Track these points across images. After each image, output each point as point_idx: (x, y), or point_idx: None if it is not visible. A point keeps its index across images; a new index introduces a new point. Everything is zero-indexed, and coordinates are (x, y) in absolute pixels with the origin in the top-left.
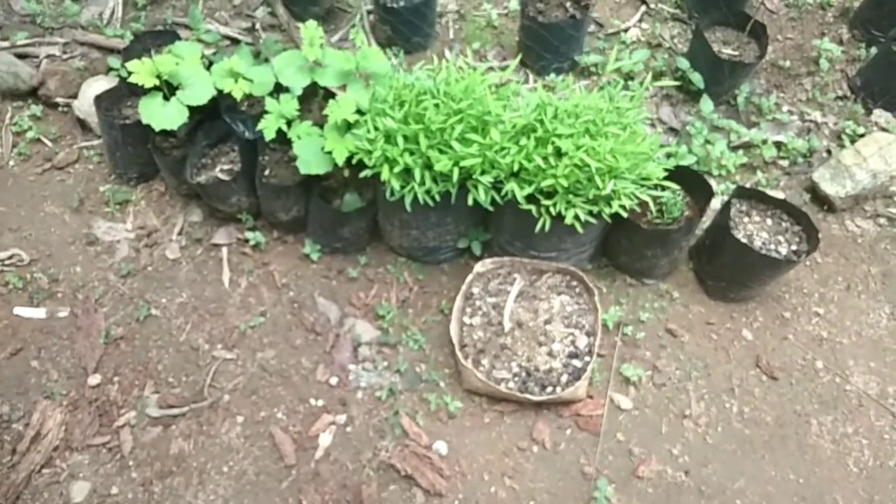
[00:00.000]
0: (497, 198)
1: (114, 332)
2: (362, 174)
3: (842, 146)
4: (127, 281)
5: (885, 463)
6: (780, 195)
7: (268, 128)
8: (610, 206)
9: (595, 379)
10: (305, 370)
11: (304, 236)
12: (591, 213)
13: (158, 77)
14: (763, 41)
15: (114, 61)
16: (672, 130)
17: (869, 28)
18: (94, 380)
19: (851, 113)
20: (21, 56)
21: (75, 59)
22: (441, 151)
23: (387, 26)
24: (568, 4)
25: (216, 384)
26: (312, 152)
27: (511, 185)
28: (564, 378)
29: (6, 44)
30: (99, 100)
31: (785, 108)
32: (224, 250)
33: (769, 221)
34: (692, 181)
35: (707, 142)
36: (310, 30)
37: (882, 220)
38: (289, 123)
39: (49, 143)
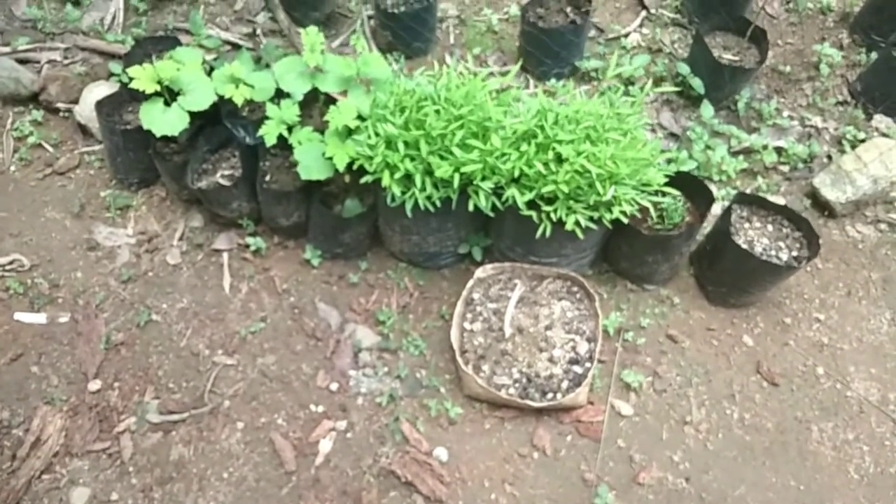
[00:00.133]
0: (498, 203)
1: (114, 338)
2: (363, 180)
3: (842, 151)
4: (128, 286)
5: (886, 470)
6: (780, 201)
7: (269, 133)
8: (610, 211)
9: (596, 385)
10: (306, 376)
11: (305, 242)
12: (591, 218)
13: (159, 82)
14: (763, 46)
15: (115, 67)
16: (672, 136)
17: (869, 33)
18: (95, 385)
19: (852, 118)
20: (22, 61)
21: (76, 64)
22: (442, 157)
23: (387, 32)
24: (568, 10)
25: (216, 390)
26: (313, 158)
27: (512, 191)
28: (565, 384)
29: (7, 49)
30: (100, 105)
31: (785, 114)
32: (225, 256)
33: (770, 227)
34: (693, 187)
35: (707, 147)
36: (311, 35)
37: (883, 226)
38: (290, 129)
39: (50, 149)
